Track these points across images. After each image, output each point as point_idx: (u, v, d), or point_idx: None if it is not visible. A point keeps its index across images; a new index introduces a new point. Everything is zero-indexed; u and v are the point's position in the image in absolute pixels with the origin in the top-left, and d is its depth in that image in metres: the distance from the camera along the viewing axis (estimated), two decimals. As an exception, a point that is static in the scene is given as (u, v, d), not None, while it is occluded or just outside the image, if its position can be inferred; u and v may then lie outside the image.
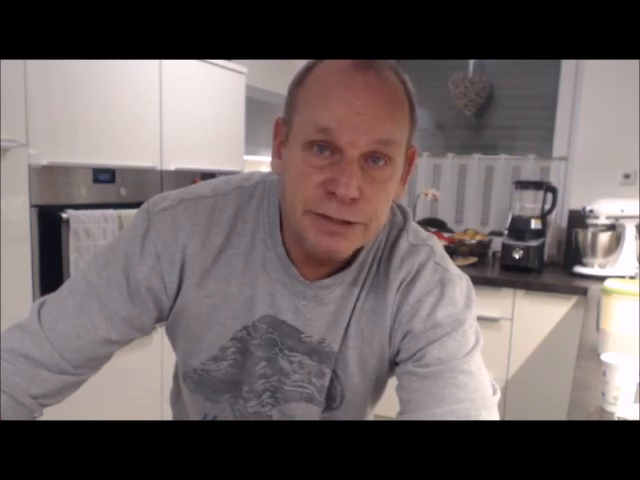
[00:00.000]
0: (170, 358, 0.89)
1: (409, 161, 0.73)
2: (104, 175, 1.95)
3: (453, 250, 2.81)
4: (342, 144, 0.63)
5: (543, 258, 2.69)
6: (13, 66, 1.59)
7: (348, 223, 0.66)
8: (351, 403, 0.83)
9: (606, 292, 1.41)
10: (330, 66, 0.66)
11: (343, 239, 0.67)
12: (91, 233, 1.85)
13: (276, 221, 0.75)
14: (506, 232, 2.76)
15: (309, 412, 0.82)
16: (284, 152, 0.70)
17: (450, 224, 3.13)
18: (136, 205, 0.83)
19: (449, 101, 3.10)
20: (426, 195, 2.92)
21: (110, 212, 1.92)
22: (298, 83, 0.69)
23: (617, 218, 2.55)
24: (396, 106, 0.67)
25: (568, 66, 2.87)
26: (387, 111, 0.65)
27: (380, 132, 0.64)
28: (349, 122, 0.63)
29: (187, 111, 2.29)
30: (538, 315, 2.43)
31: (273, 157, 0.73)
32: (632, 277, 2.49)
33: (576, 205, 2.74)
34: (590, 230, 2.58)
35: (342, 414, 0.83)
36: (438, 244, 0.80)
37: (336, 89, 0.64)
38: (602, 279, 1.87)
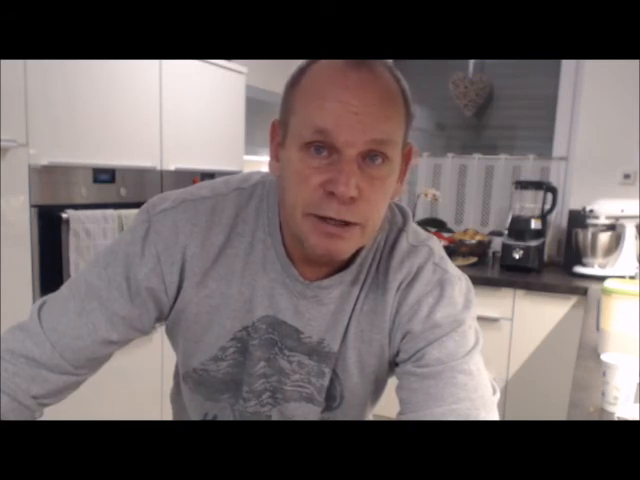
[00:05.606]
0: (170, 358, 0.89)
1: (406, 159, 0.73)
2: (104, 175, 1.95)
3: (453, 250, 2.81)
4: (339, 144, 0.63)
5: (543, 258, 2.69)
6: (13, 66, 1.58)
7: (346, 224, 0.66)
8: (350, 403, 0.83)
9: (606, 292, 1.41)
10: (324, 66, 0.66)
11: (342, 240, 0.67)
12: (91, 233, 1.85)
13: (275, 221, 0.75)
14: (506, 232, 2.76)
15: (309, 412, 0.82)
16: (281, 154, 0.70)
17: (450, 224, 3.13)
18: (136, 205, 0.83)
19: (449, 101, 3.10)
20: (426, 195, 2.92)
21: (110, 212, 1.92)
22: (292, 85, 0.68)
23: (617, 218, 2.55)
24: (391, 103, 0.67)
25: (568, 66, 2.87)
26: (383, 109, 0.65)
27: (376, 131, 0.64)
28: (345, 122, 0.63)
29: (187, 111, 2.29)
30: (538, 315, 2.43)
31: (271, 159, 0.74)
32: (632, 277, 2.49)
33: (576, 205, 2.74)
34: (590, 230, 2.58)
35: (341, 414, 0.83)
36: (437, 245, 0.80)
37: (331, 89, 0.64)
38: (602, 279, 1.87)
